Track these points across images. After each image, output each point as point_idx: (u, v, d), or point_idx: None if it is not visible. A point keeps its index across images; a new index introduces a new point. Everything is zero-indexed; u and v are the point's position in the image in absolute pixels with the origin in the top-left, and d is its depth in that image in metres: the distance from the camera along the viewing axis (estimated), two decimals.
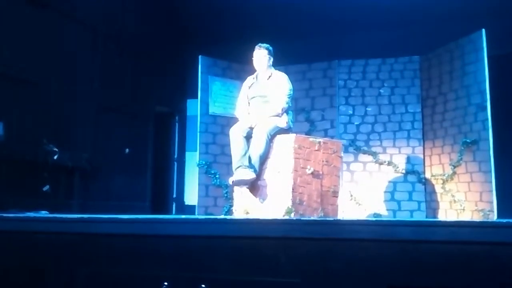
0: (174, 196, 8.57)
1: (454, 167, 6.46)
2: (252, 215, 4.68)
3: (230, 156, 4.90)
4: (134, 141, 7.49)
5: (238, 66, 7.28)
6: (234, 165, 4.76)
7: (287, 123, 4.88)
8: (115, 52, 7.22)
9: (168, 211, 8.34)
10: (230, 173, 5.02)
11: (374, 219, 5.87)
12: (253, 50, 5.08)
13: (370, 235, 2.77)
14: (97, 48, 6.90)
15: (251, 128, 4.84)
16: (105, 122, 6.92)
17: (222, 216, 5.88)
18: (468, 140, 6.26)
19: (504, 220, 4.18)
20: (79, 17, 6.60)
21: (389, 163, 7.02)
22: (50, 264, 3.37)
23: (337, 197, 4.84)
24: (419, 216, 6.73)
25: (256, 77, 5.16)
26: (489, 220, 5.54)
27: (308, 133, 6.98)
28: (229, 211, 6.63)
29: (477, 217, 5.95)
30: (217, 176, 7.06)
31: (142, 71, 7.66)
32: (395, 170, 6.99)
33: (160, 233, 3.24)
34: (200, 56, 7.25)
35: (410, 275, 2.66)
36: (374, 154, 7.08)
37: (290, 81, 5.05)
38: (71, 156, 6.12)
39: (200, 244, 3.07)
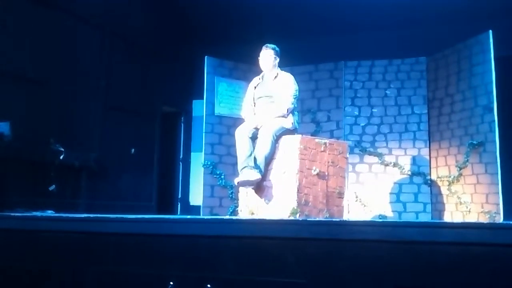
0: (179, 196, 8.58)
1: (460, 168, 6.43)
2: (257, 216, 4.68)
3: (236, 156, 4.89)
4: (140, 141, 7.51)
5: (244, 67, 7.28)
6: (239, 166, 4.75)
7: (292, 124, 4.87)
8: (122, 52, 7.24)
9: (173, 212, 8.34)
10: (235, 173, 5.02)
11: (380, 220, 5.86)
12: (260, 50, 5.07)
13: (376, 236, 2.77)
14: (104, 47, 6.92)
15: (257, 129, 4.83)
16: (112, 122, 6.94)
17: (228, 217, 5.88)
18: (474, 142, 6.23)
19: (510, 222, 4.16)
20: (86, 17, 6.62)
21: (395, 165, 7.00)
22: (56, 263, 3.38)
23: (342, 198, 4.82)
24: (425, 218, 6.70)
25: (262, 78, 5.15)
26: (495, 222, 5.51)
27: (314, 134, 6.98)
28: (234, 212, 6.63)
29: (483, 219, 5.92)
30: (222, 176, 7.07)
31: (148, 71, 7.68)
32: (401, 172, 6.96)
33: (166, 232, 3.25)
34: (206, 57, 7.25)
35: (416, 276, 2.65)
36: (379, 155, 7.05)
37: (296, 81, 5.04)
38: (78, 156, 6.14)
39: (206, 244, 3.08)
